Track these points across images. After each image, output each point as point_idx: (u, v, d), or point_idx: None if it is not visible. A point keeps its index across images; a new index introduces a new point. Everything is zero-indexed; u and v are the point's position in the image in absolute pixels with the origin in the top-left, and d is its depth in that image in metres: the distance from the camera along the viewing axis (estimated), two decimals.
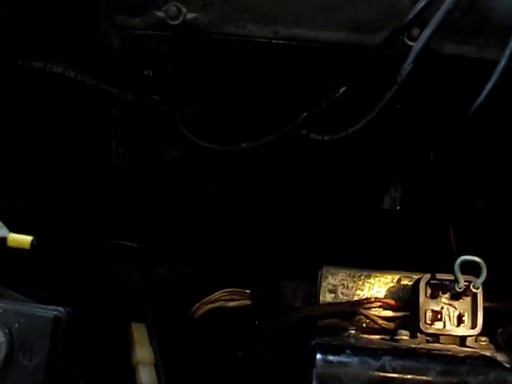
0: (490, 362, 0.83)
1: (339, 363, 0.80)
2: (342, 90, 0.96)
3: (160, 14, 0.93)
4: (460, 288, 0.87)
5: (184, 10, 0.93)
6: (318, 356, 0.79)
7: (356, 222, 1.13)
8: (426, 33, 0.86)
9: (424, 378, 0.80)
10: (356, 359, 0.80)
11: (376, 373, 0.80)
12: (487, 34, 0.89)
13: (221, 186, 1.13)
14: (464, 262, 0.87)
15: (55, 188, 1.08)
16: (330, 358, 0.80)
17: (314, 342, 0.84)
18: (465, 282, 0.89)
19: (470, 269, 0.92)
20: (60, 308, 0.79)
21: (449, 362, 0.82)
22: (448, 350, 0.85)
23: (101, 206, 1.10)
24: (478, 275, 0.87)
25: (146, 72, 1.01)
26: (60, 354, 0.78)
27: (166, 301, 1.04)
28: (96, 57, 0.98)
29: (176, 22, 0.93)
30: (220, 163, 1.11)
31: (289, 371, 0.97)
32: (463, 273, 0.88)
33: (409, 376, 0.80)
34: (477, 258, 0.86)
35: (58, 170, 1.09)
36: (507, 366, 0.82)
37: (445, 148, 1.11)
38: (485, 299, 0.96)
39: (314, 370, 0.79)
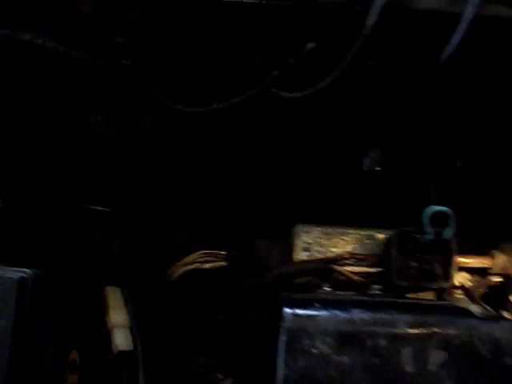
0: (461, 311, 0.83)
1: (307, 316, 0.79)
2: (310, 46, 0.94)
3: None
4: (429, 238, 0.86)
5: None
6: (285, 309, 0.79)
7: (333, 181, 1.12)
8: None
9: (394, 329, 0.79)
10: (324, 312, 0.79)
11: (345, 325, 0.79)
12: None
13: (196, 150, 1.12)
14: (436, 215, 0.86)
15: (29, 155, 1.06)
16: (298, 311, 0.79)
17: (280, 296, 0.83)
18: (436, 232, 0.87)
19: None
20: (26, 270, 0.79)
21: (419, 313, 0.81)
22: (419, 302, 0.84)
23: (77, 174, 1.09)
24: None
25: (117, 39, 1.00)
26: (27, 315, 0.78)
27: (142, 266, 1.03)
28: (66, 23, 0.97)
29: None
30: (196, 127, 1.09)
31: (265, 331, 0.97)
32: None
33: (378, 328, 0.79)
34: (445, 208, 0.85)
35: (33, 138, 1.07)
36: (478, 314, 0.81)
37: (424, 107, 1.09)
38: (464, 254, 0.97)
39: (281, 323, 0.78)
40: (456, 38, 0.88)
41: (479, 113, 1.09)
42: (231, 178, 1.08)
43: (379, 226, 1.00)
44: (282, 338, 0.78)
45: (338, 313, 0.79)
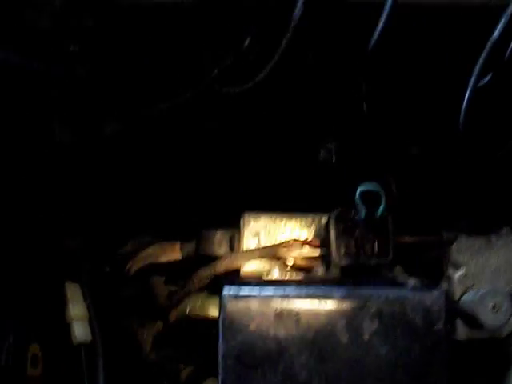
0: (393, 283, 0.87)
1: (245, 295, 0.83)
2: (247, 41, 0.98)
3: None
4: (364, 217, 0.90)
5: None
6: (225, 290, 0.83)
7: (288, 172, 1.16)
8: None
9: (327, 303, 0.83)
10: (261, 290, 0.83)
11: (280, 302, 0.83)
12: None
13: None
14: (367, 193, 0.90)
15: None
16: (236, 290, 0.83)
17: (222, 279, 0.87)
18: (371, 212, 0.91)
19: None
20: None
21: (351, 287, 0.84)
22: (353, 278, 0.88)
23: (44, 181, 1.13)
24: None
25: (72, 48, 1.04)
26: None
27: (103, 260, 1.08)
28: (21, 36, 1.01)
29: None
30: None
31: None
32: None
33: (312, 302, 0.83)
34: (375, 186, 0.89)
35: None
36: (410, 285, 0.85)
37: (377, 97, 1.14)
38: (411, 234, 1.01)
39: (221, 304, 0.82)
40: (381, 26, 0.91)
41: (427, 99, 1.13)
42: (182, 170, 1.12)
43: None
44: (222, 317, 0.82)
45: (273, 290, 0.84)
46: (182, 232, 1.07)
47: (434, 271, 0.98)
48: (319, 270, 0.94)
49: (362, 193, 0.89)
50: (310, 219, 1.02)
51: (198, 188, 1.11)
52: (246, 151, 1.16)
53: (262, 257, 0.98)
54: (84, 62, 1.05)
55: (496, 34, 0.91)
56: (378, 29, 0.92)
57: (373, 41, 0.92)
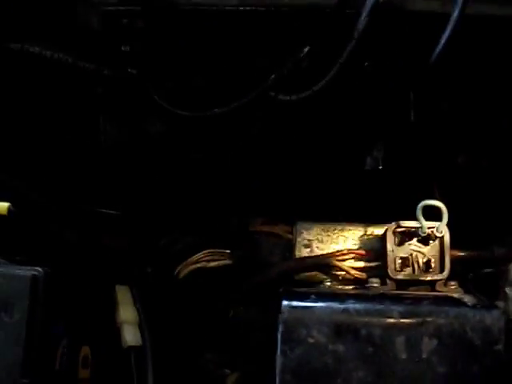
0: (452, 301, 0.86)
1: (304, 308, 0.83)
2: (305, 50, 0.98)
3: None
4: (424, 233, 0.90)
5: None
6: (284, 302, 0.83)
7: (335, 181, 1.16)
8: None
9: (387, 319, 0.83)
10: (320, 303, 0.83)
11: (339, 315, 0.83)
12: None
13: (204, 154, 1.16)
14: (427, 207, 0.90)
15: (42, 164, 1.11)
16: (295, 303, 0.83)
17: (280, 289, 0.87)
18: (430, 227, 0.91)
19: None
20: (38, 268, 0.84)
21: (411, 303, 0.84)
22: (412, 294, 0.87)
23: (89, 179, 1.14)
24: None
25: (123, 48, 1.04)
26: (40, 311, 0.83)
27: (151, 266, 1.08)
28: (73, 35, 1.01)
29: None
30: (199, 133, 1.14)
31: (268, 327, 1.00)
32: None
33: (372, 318, 0.83)
34: (438, 203, 0.88)
35: (45, 146, 1.12)
36: (469, 303, 0.84)
37: (425, 105, 1.13)
38: (461, 248, 1.00)
39: (280, 315, 0.82)
40: (444, 38, 0.91)
41: (477, 109, 1.12)
42: (233, 179, 1.12)
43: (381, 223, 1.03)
44: (280, 329, 0.82)
45: (333, 304, 0.83)
46: (231, 240, 1.06)
47: (488, 288, 0.97)
48: (374, 283, 0.93)
49: (422, 207, 0.88)
50: (361, 230, 1.02)
51: (249, 198, 1.10)
52: (293, 161, 1.15)
53: (315, 264, 0.98)
54: (135, 63, 1.05)
55: None
56: (443, 41, 0.90)
57: (436, 52, 0.91)
